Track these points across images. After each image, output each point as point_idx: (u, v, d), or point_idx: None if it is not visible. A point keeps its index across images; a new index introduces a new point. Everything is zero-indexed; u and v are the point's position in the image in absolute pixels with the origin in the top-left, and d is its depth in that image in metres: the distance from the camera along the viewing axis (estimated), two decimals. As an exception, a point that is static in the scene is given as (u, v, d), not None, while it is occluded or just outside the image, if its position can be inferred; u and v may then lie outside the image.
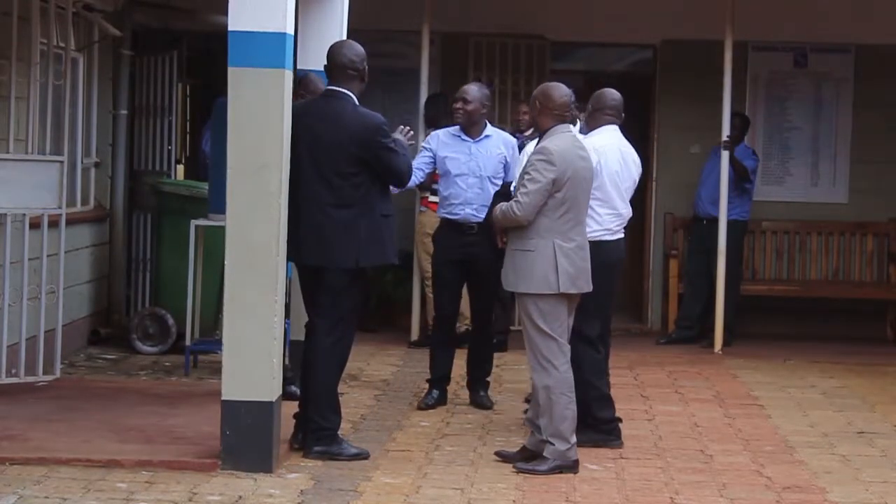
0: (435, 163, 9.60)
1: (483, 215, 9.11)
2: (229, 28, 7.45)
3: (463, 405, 9.61)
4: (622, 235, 8.68)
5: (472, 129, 9.53)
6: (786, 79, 13.93)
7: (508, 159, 9.52)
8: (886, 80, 13.67)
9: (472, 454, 8.24)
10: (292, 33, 7.64)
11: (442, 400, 9.57)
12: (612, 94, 8.75)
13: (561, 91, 7.99)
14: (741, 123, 12.84)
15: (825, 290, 13.57)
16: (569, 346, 7.92)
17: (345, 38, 9.86)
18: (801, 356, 12.38)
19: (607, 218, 8.49)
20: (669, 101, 13.70)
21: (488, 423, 9.14)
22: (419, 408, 9.45)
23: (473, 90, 9.61)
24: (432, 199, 11.93)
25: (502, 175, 9.44)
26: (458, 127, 9.59)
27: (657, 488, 7.65)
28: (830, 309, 13.53)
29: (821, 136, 13.93)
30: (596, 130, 8.66)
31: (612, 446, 8.50)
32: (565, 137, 7.93)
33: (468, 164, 9.46)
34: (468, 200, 9.44)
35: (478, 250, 9.31)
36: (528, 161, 7.94)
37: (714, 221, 12.49)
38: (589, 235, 8.11)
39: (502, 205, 7.93)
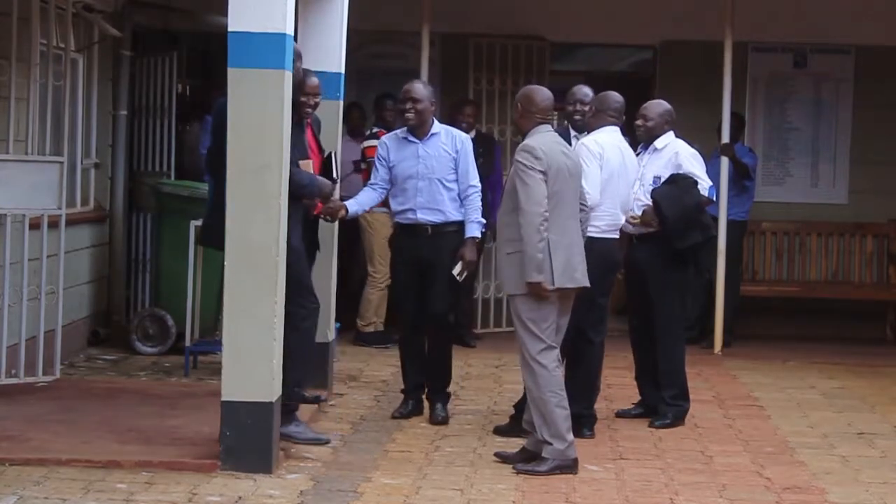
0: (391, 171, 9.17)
1: (434, 217, 9.02)
2: (229, 29, 7.45)
3: (462, 406, 9.60)
4: (615, 236, 8.82)
5: (420, 129, 9.11)
6: (786, 79, 13.94)
7: (458, 157, 9.10)
8: (886, 80, 13.67)
9: (471, 455, 8.24)
10: (292, 34, 7.64)
11: (417, 410, 9.24)
12: (616, 97, 9.00)
13: (543, 94, 8.10)
14: (737, 123, 12.84)
15: (825, 291, 13.58)
16: (556, 346, 7.94)
17: (344, 38, 9.88)
18: (800, 357, 12.38)
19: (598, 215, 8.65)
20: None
21: (488, 423, 9.14)
22: (393, 416, 9.18)
23: (420, 88, 9.16)
24: None
25: (454, 176, 9.08)
26: (404, 129, 9.18)
27: (657, 489, 7.65)
28: (830, 310, 13.53)
29: (821, 137, 13.94)
30: (597, 130, 8.90)
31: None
32: (546, 136, 8.01)
33: (417, 167, 9.07)
34: (420, 205, 9.06)
35: (431, 253, 9.03)
36: (514, 162, 7.94)
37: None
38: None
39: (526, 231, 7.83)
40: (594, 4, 13.50)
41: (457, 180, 9.11)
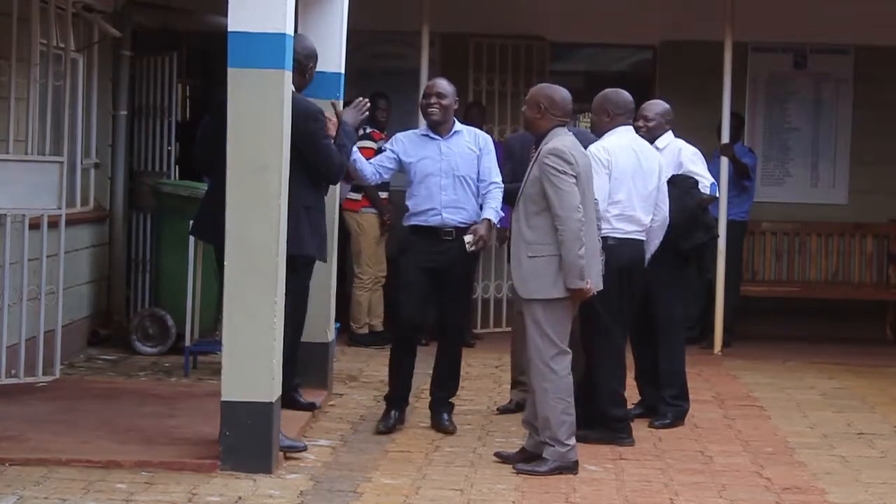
0: (399, 164, 8.93)
1: (459, 217, 8.76)
2: (229, 29, 7.45)
3: (462, 406, 9.59)
4: (641, 237, 8.80)
5: (443, 126, 8.86)
6: (785, 79, 13.94)
7: (481, 154, 8.87)
8: (886, 80, 13.68)
9: (471, 455, 8.24)
10: (292, 34, 7.64)
11: (399, 420, 8.91)
12: (628, 97, 8.91)
13: (564, 94, 8.05)
14: (737, 123, 12.85)
15: (825, 291, 13.59)
16: (570, 351, 7.92)
17: (344, 38, 9.87)
18: (800, 357, 12.39)
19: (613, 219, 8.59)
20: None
21: (488, 423, 9.15)
22: (378, 432, 8.76)
23: (446, 85, 8.89)
24: (352, 195, 11.92)
25: (476, 176, 8.83)
26: (424, 126, 8.98)
27: (657, 489, 7.65)
28: (830, 310, 13.53)
29: (820, 137, 13.94)
30: (611, 132, 8.81)
31: (622, 444, 8.62)
32: (567, 138, 7.95)
33: (439, 163, 8.79)
34: (445, 203, 8.76)
35: (453, 257, 8.74)
36: (540, 165, 7.83)
37: (713, 222, 12.50)
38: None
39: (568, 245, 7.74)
40: (594, 4, 13.50)
41: (477, 179, 8.87)
